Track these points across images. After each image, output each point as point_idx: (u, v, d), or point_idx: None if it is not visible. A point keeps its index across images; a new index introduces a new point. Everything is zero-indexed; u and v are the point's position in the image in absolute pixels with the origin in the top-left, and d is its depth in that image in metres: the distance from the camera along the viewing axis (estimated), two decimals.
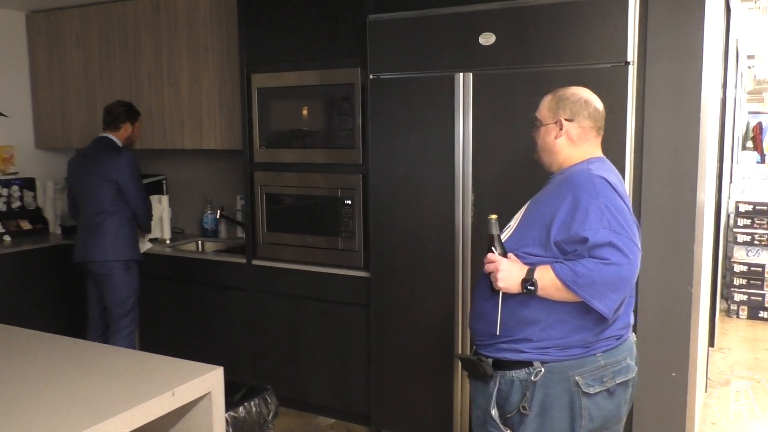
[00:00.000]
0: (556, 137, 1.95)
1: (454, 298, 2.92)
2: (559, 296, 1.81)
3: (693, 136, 2.51)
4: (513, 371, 1.88)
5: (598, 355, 1.86)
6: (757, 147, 11.97)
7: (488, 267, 1.86)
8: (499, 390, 1.90)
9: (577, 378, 1.83)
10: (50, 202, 4.58)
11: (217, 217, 4.20)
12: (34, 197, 4.54)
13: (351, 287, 3.28)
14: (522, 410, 1.85)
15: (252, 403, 2.12)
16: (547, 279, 1.79)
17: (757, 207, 5.34)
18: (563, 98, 1.96)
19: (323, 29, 3.25)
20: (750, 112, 13.18)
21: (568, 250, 1.79)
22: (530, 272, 1.81)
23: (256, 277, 3.58)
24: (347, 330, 3.33)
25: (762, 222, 5.34)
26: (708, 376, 4.09)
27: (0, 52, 4.41)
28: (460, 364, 2.13)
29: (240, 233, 4.23)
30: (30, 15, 4.50)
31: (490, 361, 1.92)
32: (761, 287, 5.35)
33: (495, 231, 1.88)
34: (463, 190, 2.86)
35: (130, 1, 4.06)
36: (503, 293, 1.86)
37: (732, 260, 5.43)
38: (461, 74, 2.80)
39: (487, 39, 2.75)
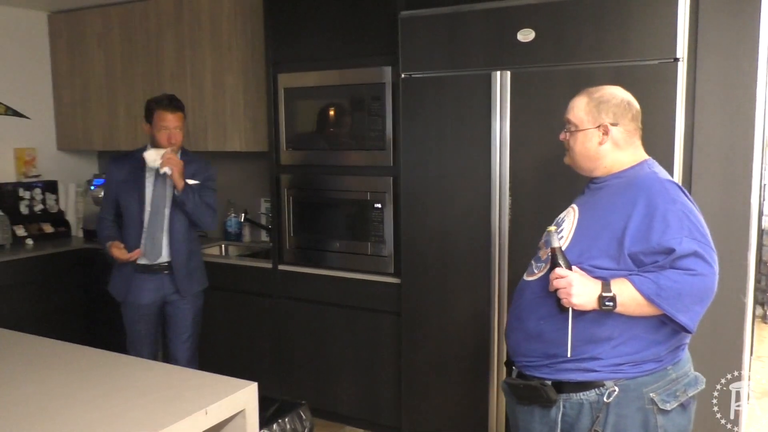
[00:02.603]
0: (600, 143, 1.81)
1: (491, 305, 2.80)
2: (639, 312, 1.67)
3: (747, 136, 2.37)
4: (581, 393, 1.73)
5: (669, 368, 1.75)
6: None
7: (558, 283, 1.67)
8: (563, 415, 1.76)
9: (652, 395, 1.72)
10: (72, 205, 4.52)
11: (241, 220, 4.11)
12: (57, 200, 4.48)
13: (381, 294, 3.18)
14: None
15: (286, 419, 2.02)
16: (626, 294, 1.64)
17: None
18: (603, 101, 1.82)
19: (352, 27, 3.15)
20: None
21: (647, 262, 1.66)
22: (606, 287, 1.65)
23: (282, 282, 3.48)
24: (377, 338, 3.22)
25: None
26: (750, 386, 3.93)
27: (22, 52, 4.36)
28: (509, 390, 1.92)
29: (264, 237, 4.14)
30: (51, 15, 4.45)
31: (549, 383, 1.77)
32: None
33: (557, 243, 1.71)
34: (500, 193, 2.74)
35: (152, 1, 3.98)
36: (573, 311, 1.69)
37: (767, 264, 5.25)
38: (498, 72, 2.68)
39: (525, 35, 2.62)
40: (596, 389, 1.72)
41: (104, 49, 4.23)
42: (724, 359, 2.47)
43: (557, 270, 1.68)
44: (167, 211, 3.03)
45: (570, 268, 1.69)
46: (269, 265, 3.53)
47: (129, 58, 4.14)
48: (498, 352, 2.81)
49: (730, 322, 2.45)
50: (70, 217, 4.52)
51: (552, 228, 1.72)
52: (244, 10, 3.65)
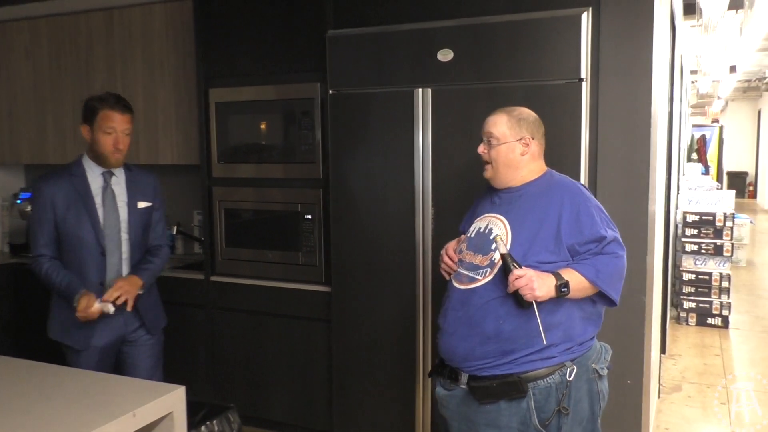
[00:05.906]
0: (522, 154, 2.08)
1: (416, 310, 2.93)
2: (582, 294, 1.95)
3: (644, 149, 2.59)
4: (547, 378, 1.95)
5: (595, 341, 2.09)
6: (702, 159, 12.49)
7: (519, 282, 1.87)
8: (534, 402, 1.95)
9: (594, 366, 2.01)
10: None
11: (174, 232, 4.12)
12: None
13: (312, 302, 3.27)
14: (563, 411, 1.94)
15: (214, 422, 2.08)
16: (574, 280, 1.92)
17: (704, 217, 5.53)
18: (522, 118, 2.10)
19: (282, 44, 3.26)
20: (693, 125, 13.76)
21: (581, 251, 1.96)
22: (559, 276, 1.90)
23: (215, 293, 3.53)
24: (308, 345, 3.31)
25: (708, 232, 5.53)
26: (660, 382, 4.21)
27: None
28: (471, 393, 2.02)
29: (197, 249, 4.17)
30: None
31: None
32: (709, 295, 5.54)
33: (504, 249, 1.92)
34: (423, 204, 2.88)
35: (83, 14, 3.98)
36: (527, 305, 1.91)
37: (681, 269, 5.60)
38: (420, 90, 2.84)
39: (445, 55, 2.79)
40: (559, 371, 1.96)
41: (32, 62, 4.19)
42: (628, 356, 2.66)
43: (516, 271, 1.88)
44: (125, 235, 2.65)
45: (521, 268, 1.90)
46: (202, 277, 3.57)
47: (58, 70, 4.11)
48: (422, 355, 2.94)
49: (632, 321, 2.65)
50: None
51: (498, 235, 1.96)
52: (176, 25, 3.70)
